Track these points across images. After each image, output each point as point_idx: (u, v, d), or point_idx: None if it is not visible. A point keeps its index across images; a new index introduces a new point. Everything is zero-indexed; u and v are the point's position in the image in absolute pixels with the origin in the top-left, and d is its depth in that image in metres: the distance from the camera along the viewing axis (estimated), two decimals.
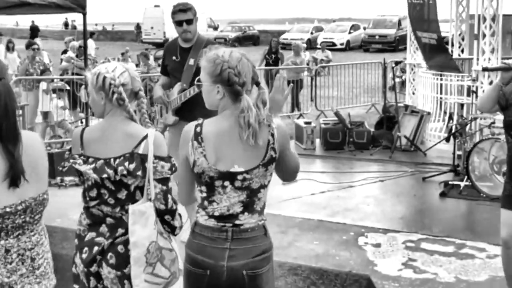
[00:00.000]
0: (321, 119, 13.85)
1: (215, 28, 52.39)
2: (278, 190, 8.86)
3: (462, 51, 13.41)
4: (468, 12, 13.38)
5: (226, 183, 3.43)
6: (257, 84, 3.51)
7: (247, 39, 51.47)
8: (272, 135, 3.44)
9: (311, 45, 42.66)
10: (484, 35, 11.10)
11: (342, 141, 11.91)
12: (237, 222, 3.45)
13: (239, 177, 3.42)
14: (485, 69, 5.29)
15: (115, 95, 3.67)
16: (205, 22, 47.74)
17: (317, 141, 12.17)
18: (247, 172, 3.42)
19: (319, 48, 33.09)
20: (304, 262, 6.65)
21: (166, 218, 3.68)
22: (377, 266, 6.58)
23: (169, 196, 3.67)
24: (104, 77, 3.68)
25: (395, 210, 8.51)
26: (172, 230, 3.72)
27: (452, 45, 13.47)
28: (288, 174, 3.68)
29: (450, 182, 9.23)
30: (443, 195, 8.96)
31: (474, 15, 11.85)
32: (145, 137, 3.64)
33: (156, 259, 3.60)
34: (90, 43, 29.29)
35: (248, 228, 3.45)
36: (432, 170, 10.25)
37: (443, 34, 15.86)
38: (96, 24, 66.19)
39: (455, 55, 13.11)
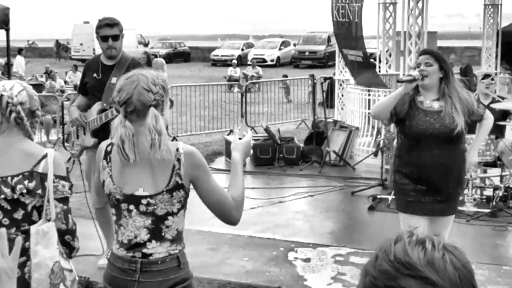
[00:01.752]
0: None
1: (146, 45, 52.02)
2: None
3: (390, 67, 13.66)
4: (394, 29, 13.64)
5: (131, 206, 3.35)
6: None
7: (177, 56, 51.38)
8: (178, 160, 3.30)
9: (242, 61, 42.83)
10: (410, 52, 11.36)
11: (272, 157, 11.97)
12: (145, 251, 3.34)
13: (143, 201, 3.33)
14: (399, 81, 5.55)
15: (13, 114, 3.54)
16: (135, 38, 47.37)
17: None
18: (151, 197, 3.31)
19: (249, 65, 33.27)
20: (234, 279, 6.65)
21: (66, 239, 3.58)
22: (307, 281, 6.62)
23: (69, 215, 3.58)
24: (1, 96, 3.56)
25: (325, 225, 8.58)
26: (70, 250, 3.64)
27: (380, 61, 13.72)
28: (216, 212, 3.42)
29: (378, 196, 9.36)
30: (371, 209, 9.09)
31: (400, 32, 12.09)
32: (45, 156, 3.55)
33: (60, 280, 3.51)
34: (19, 59, 28.79)
35: (158, 260, 3.33)
36: (361, 184, 10.39)
37: (371, 51, 16.14)
38: (28, 41, 64.80)
39: (382, 71, 13.35)
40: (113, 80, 6.34)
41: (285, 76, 23.89)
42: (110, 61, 6.58)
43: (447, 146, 5.37)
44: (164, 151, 3.25)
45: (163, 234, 3.35)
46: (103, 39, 6.51)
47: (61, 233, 3.55)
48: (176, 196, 3.33)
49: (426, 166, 5.35)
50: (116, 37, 6.50)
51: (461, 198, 8.64)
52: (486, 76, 9.84)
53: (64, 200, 3.56)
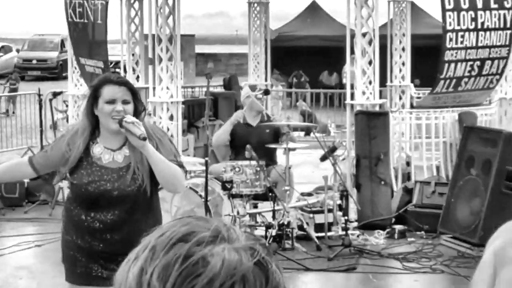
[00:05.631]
0: None
1: None
2: None
3: (137, 78, 13.58)
4: (142, 31, 13.63)
5: None
6: None
7: None
8: None
9: None
10: (161, 59, 11.36)
11: None
12: None
13: None
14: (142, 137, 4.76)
15: None
16: None
17: None
18: None
19: None
20: None
21: None
22: None
23: None
24: None
25: (57, 282, 8.39)
26: None
27: (125, 71, 13.65)
28: None
29: None
30: None
31: (148, 35, 12.20)
32: None
33: None
34: None
35: None
36: None
37: (116, 58, 16.12)
38: None
39: None
40: None
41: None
42: None
43: (125, 210, 4.95)
44: None
45: None
46: None
47: None
48: None
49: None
50: None
51: None
52: (260, 89, 10.14)
53: None
